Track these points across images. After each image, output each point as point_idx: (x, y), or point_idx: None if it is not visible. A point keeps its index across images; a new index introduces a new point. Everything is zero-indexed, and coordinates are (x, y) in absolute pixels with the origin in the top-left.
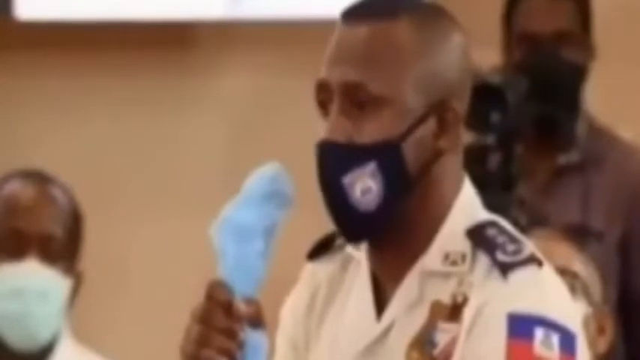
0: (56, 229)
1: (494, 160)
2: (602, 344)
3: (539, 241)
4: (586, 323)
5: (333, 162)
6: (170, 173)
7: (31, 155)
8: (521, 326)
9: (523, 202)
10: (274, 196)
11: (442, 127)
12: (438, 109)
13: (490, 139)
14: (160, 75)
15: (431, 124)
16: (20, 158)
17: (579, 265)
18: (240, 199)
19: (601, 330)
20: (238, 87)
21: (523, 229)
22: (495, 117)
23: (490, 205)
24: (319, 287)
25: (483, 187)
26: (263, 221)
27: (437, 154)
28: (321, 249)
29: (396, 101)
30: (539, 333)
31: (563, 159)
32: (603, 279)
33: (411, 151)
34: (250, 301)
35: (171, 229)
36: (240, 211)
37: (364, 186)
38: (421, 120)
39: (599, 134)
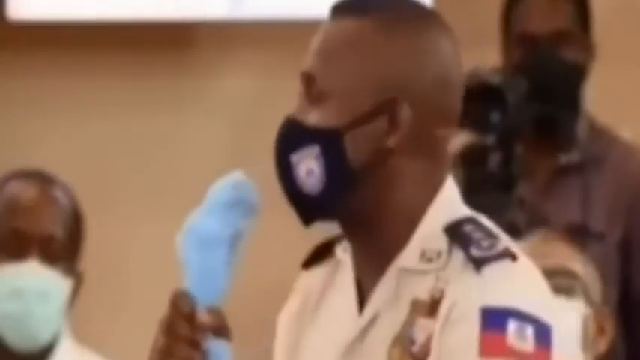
0: (57, 229)
1: (494, 160)
2: (602, 344)
3: (539, 241)
4: (586, 323)
5: (286, 139)
6: (170, 173)
7: (31, 155)
8: (493, 319)
9: (523, 202)
10: (238, 204)
11: (393, 126)
12: (389, 107)
13: (490, 139)
14: (160, 75)
15: (382, 122)
16: (20, 158)
17: (579, 265)
18: (203, 208)
19: (601, 330)
20: (239, 87)
21: (523, 230)
22: (495, 117)
23: (490, 205)
24: (311, 292)
25: (483, 187)
26: (227, 229)
27: (386, 152)
28: (315, 258)
29: (342, 95)
30: (512, 325)
31: (563, 159)
32: (603, 279)
33: (354, 144)
34: (214, 311)
35: (171, 230)
36: (204, 219)
37: (307, 167)
38: (369, 115)
39: (599, 134)
